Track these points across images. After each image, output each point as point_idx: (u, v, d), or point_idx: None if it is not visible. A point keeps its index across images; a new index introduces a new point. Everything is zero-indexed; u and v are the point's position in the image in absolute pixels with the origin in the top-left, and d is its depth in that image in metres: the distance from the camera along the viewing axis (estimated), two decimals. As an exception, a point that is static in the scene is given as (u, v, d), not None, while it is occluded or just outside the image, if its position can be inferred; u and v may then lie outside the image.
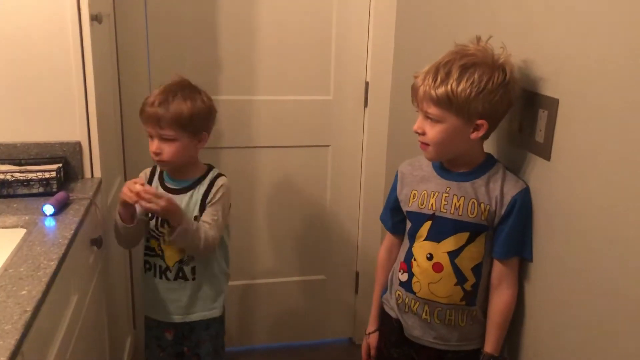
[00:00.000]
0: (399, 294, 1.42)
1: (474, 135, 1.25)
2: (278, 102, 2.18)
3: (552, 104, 1.18)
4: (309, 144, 2.26)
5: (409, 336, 1.42)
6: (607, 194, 1.04)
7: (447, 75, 1.21)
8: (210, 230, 1.53)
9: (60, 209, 1.41)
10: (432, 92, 1.22)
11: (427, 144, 1.28)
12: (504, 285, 1.32)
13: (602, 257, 1.05)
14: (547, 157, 1.21)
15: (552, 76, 1.20)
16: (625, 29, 0.98)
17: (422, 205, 1.35)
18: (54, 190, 1.50)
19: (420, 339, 1.40)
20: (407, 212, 1.40)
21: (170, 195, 1.53)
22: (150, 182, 1.61)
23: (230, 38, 2.08)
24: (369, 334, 1.58)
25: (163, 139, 1.49)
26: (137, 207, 1.50)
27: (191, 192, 1.57)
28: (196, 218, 1.55)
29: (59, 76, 1.57)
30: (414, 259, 1.36)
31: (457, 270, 1.32)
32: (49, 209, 1.38)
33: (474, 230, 1.30)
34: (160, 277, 1.61)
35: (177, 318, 1.64)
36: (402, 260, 1.41)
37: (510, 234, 1.28)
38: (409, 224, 1.40)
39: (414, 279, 1.36)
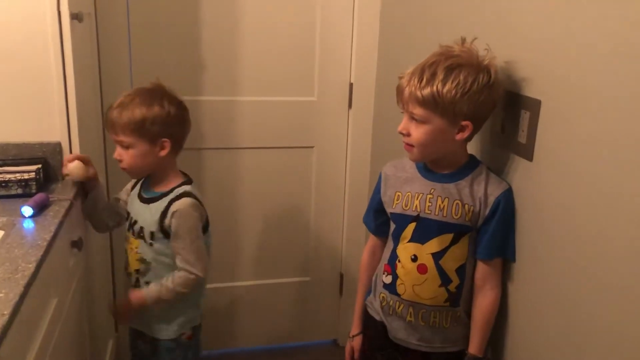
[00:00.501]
0: (383, 297, 1.41)
1: (458, 137, 1.25)
2: (262, 103, 2.17)
3: (534, 105, 1.19)
4: (293, 145, 2.25)
5: (394, 339, 1.42)
6: (588, 194, 1.05)
7: (433, 76, 1.21)
8: (178, 276, 1.49)
9: (39, 210, 1.38)
10: (418, 92, 1.22)
11: (411, 145, 1.28)
12: (488, 286, 1.32)
13: (583, 256, 1.06)
14: (530, 157, 1.22)
15: (535, 77, 1.21)
16: (606, 31, 0.99)
17: (406, 206, 1.35)
18: (33, 191, 1.48)
19: (404, 341, 1.40)
20: (391, 213, 1.40)
21: (131, 297, 1.52)
22: (134, 187, 1.61)
23: (213, 38, 2.07)
24: (353, 336, 1.57)
25: (122, 145, 1.47)
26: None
27: (153, 205, 1.52)
28: (152, 235, 1.50)
29: (38, 75, 1.54)
30: (399, 261, 1.36)
31: (441, 272, 1.32)
32: (27, 210, 1.35)
33: (458, 231, 1.30)
34: (128, 279, 1.60)
35: (136, 324, 1.63)
36: (386, 262, 1.41)
37: (494, 235, 1.29)
38: (393, 226, 1.40)
39: (399, 281, 1.36)
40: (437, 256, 1.31)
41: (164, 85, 1.52)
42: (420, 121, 1.24)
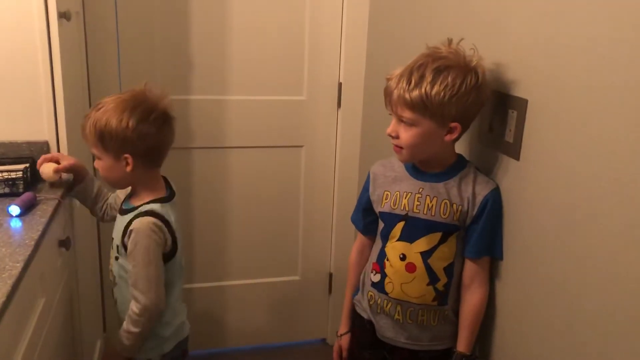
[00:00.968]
0: (371, 295, 1.42)
1: (447, 138, 1.26)
2: (251, 102, 2.17)
3: (521, 105, 1.20)
4: (282, 144, 2.25)
5: (381, 337, 1.43)
6: (574, 193, 1.06)
7: (421, 78, 1.21)
8: (134, 306, 1.36)
9: (26, 209, 1.37)
10: (407, 95, 1.22)
11: (401, 147, 1.29)
12: (476, 285, 1.33)
13: (570, 255, 1.07)
14: (517, 157, 1.23)
15: (522, 77, 1.22)
16: (593, 30, 1.00)
17: (394, 205, 1.35)
18: (21, 190, 1.47)
19: (392, 339, 1.41)
20: (380, 212, 1.40)
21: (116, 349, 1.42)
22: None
23: (202, 37, 2.06)
24: (341, 335, 1.58)
25: (94, 155, 1.41)
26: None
27: (124, 217, 1.41)
28: (118, 248, 1.41)
29: (26, 74, 1.53)
30: (387, 260, 1.37)
31: (429, 270, 1.32)
32: (14, 209, 1.34)
33: (446, 230, 1.31)
34: None
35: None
36: (374, 261, 1.42)
37: (482, 234, 1.30)
38: (381, 225, 1.41)
39: (387, 280, 1.37)
40: (425, 255, 1.32)
41: (149, 91, 1.39)
42: (409, 124, 1.25)
